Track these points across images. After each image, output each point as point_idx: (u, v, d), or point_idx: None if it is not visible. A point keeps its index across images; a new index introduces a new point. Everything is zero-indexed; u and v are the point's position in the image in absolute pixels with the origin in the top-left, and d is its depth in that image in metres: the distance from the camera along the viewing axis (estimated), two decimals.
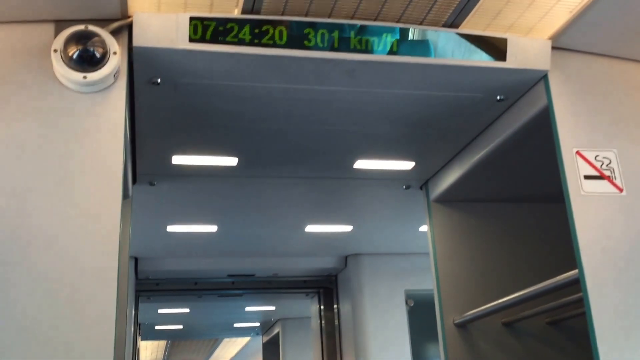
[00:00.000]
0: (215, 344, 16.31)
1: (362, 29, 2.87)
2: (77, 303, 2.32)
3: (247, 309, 10.11)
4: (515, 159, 3.78)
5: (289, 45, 2.79)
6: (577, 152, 2.96)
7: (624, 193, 2.93)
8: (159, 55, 2.75)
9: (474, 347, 4.15)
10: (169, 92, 3.06)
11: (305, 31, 2.81)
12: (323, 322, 7.59)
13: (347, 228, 5.81)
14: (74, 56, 2.54)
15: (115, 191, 2.49)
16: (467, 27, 2.96)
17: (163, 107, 3.24)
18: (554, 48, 3.04)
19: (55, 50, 2.55)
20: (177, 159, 3.94)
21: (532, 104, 3.19)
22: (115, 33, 2.64)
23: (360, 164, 4.15)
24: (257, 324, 11.91)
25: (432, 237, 4.41)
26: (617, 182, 2.94)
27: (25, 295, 2.30)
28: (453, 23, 2.93)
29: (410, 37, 2.94)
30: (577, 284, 2.86)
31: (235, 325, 11.97)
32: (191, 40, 2.71)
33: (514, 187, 4.30)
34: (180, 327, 11.70)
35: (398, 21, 2.91)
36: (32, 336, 2.26)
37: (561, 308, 3.92)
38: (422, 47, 2.94)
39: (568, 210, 2.88)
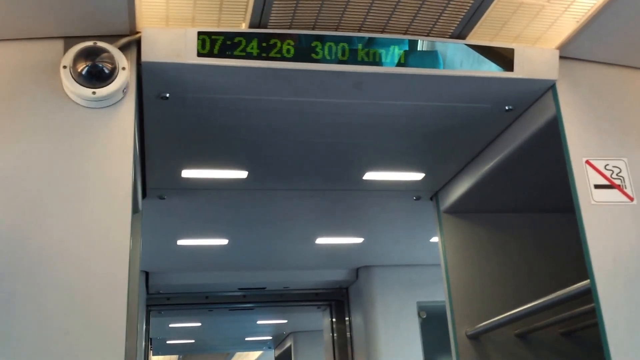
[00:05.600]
0: (227, 358, 16.30)
1: (370, 41, 2.88)
2: (87, 317, 2.32)
3: (259, 322, 10.10)
4: (524, 169, 3.77)
5: (297, 58, 2.80)
6: (587, 162, 2.95)
7: (634, 202, 2.91)
8: (167, 70, 2.77)
9: (487, 359, 4.12)
10: (178, 106, 3.07)
11: (313, 44, 2.82)
12: (335, 334, 7.57)
13: (358, 240, 5.80)
14: (83, 72, 2.56)
15: (125, 206, 2.50)
16: (474, 38, 2.96)
17: (172, 122, 3.25)
18: (561, 57, 3.03)
19: (64, 67, 2.57)
20: (187, 173, 3.95)
21: (541, 113, 3.18)
22: (123, 49, 2.66)
23: (370, 176, 4.15)
24: (269, 338, 11.89)
25: (443, 248, 4.39)
26: (628, 191, 2.92)
27: (35, 311, 2.30)
28: (460, 34, 2.93)
29: (418, 49, 2.95)
30: (590, 294, 2.84)
31: (247, 338, 11.96)
32: (199, 54, 2.72)
33: (525, 197, 4.29)
34: (192, 341, 11.70)
35: (405, 33, 2.91)
36: (41, 351, 2.26)
37: (574, 318, 3.89)
38: (430, 58, 2.95)
39: (579, 220, 2.87)
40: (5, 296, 2.30)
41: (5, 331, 2.26)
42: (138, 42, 2.71)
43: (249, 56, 2.75)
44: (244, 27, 2.79)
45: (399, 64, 2.89)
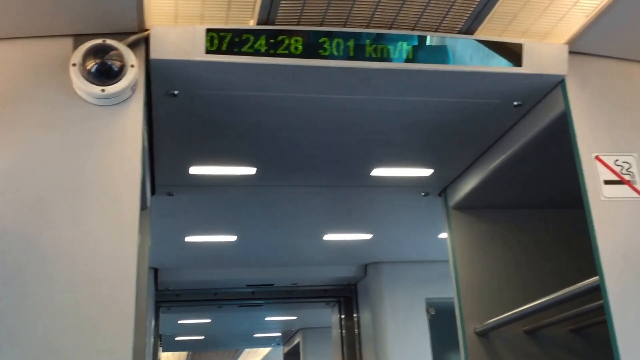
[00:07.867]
0: (236, 354, 16.33)
1: (378, 37, 2.88)
2: (95, 314, 2.33)
3: (267, 318, 10.11)
4: (534, 165, 3.75)
5: (305, 54, 2.80)
6: (597, 157, 2.93)
7: None
8: (176, 67, 2.77)
9: (495, 356, 4.12)
10: (186, 103, 3.08)
11: (321, 40, 2.82)
12: (343, 331, 7.57)
13: (367, 236, 5.79)
14: (92, 70, 2.57)
15: (133, 202, 2.51)
16: (482, 33, 2.95)
17: (180, 118, 3.26)
18: (570, 52, 3.02)
19: (73, 64, 2.57)
20: (195, 170, 3.96)
21: (550, 109, 3.17)
22: (132, 46, 2.67)
23: (378, 172, 4.15)
24: (278, 334, 11.92)
25: (451, 244, 4.39)
26: (638, 186, 2.91)
27: (42, 306, 2.31)
28: (468, 29, 2.92)
29: (427, 44, 2.94)
30: (599, 290, 2.82)
31: (256, 335, 11.99)
32: (208, 51, 2.73)
33: (534, 193, 4.27)
34: (201, 337, 11.74)
35: (413, 29, 2.91)
36: (49, 347, 2.27)
37: (584, 315, 3.87)
38: (439, 54, 2.94)
39: (588, 216, 2.85)
40: (14, 293, 2.31)
41: (14, 328, 2.27)
42: (147, 40, 2.72)
43: (257, 53, 2.76)
44: (252, 24, 2.79)
45: (407, 60, 2.88)
